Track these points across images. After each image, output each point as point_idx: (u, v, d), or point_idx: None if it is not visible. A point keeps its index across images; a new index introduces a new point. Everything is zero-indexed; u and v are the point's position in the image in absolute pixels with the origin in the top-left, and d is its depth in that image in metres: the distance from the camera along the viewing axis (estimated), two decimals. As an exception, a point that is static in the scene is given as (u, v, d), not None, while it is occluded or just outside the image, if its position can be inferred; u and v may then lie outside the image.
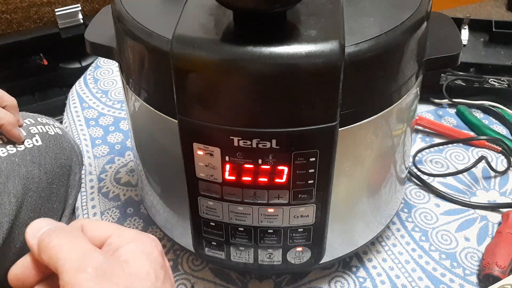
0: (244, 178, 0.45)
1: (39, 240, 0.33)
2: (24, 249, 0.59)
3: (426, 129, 0.78)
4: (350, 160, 0.47)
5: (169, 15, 0.44)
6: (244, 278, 0.59)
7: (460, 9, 2.23)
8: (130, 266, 0.32)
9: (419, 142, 0.77)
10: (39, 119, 0.67)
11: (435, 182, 0.70)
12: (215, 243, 0.52)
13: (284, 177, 0.45)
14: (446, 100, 0.82)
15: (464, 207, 0.67)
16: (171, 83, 0.42)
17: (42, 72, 1.41)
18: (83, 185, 0.71)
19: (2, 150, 0.60)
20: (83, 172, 0.73)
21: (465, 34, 0.85)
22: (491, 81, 0.81)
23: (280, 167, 0.44)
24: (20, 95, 0.94)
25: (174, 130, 0.45)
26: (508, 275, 0.55)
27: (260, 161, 0.44)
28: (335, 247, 0.54)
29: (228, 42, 0.40)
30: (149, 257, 0.34)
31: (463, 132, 0.78)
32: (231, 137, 0.43)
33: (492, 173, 0.72)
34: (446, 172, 0.71)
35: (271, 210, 0.48)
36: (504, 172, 0.72)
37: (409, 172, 0.70)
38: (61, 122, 0.81)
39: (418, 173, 0.71)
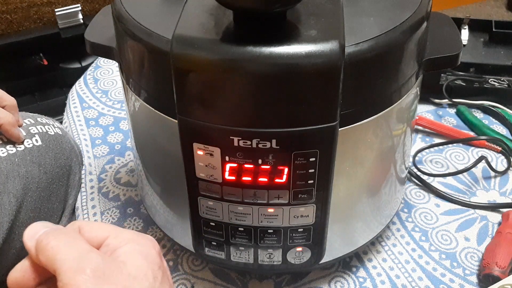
0: (244, 178, 0.45)
1: (36, 241, 0.33)
2: (24, 249, 0.60)
3: (426, 129, 0.78)
4: (350, 160, 0.47)
5: (169, 15, 0.44)
6: (244, 278, 0.59)
7: (460, 9, 2.23)
8: (128, 267, 0.33)
9: (419, 142, 0.77)
10: (39, 119, 0.67)
11: (435, 182, 0.70)
12: (215, 243, 0.52)
13: (284, 177, 0.45)
14: (446, 100, 0.82)
15: (464, 207, 0.67)
16: (171, 83, 0.42)
17: (42, 72, 1.41)
18: (83, 185, 0.71)
19: (1, 150, 0.60)
20: (83, 172, 0.73)
21: (465, 34, 0.85)
22: (491, 81, 0.81)
23: (280, 167, 0.44)
24: (20, 95, 0.94)
25: (174, 130, 0.45)
26: (508, 275, 0.55)
27: (260, 161, 0.44)
28: (335, 247, 0.54)
29: (228, 42, 0.40)
30: (147, 257, 0.34)
31: (463, 132, 0.78)
32: (231, 137, 0.43)
33: (492, 173, 0.72)
34: (446, 172, 0.71)
35: (271, 210, 0.47)
36: (504, 172, 0.72)
37: (409, 172, 0.70)
38: (61, 122, 0.81)
39: (418, 173, 0.71)
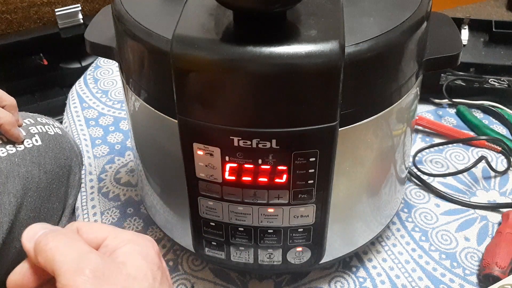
0: (244, 178, 0.45)
1: (35, 243, 0.33)
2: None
3: (426, 129, 0.78)
4: (350, 160, 0.47)
5: (169, 15, 0.44)
6: (244, 278, 0.59)
7: (460, 9, 2.23)
8: (127, 267, 0.32)
9: (419, 142, 0.77)
10: (38, 119, 0.67)
11: (435, 182, 0.70)
12: (215, 243, 0.52)
13: (284, 177, 0.45)
14: (446, 100, 0.82)
15: (464, 207, 0.67)
16: (171, 83, 0.42)
17: (42, 72, 1.41)
18: (83, 185, 0.71)
19: (1, 150, 0.60)
20: (83, 172, 0.73)
21: (465, 34, 0.85)
22: (491, 81, 0.81)
23: (280, 167, 0.44)
24: (20, 95, 0.94)
25: (174, 130, 0.45)
26: (508, 275, 0.55)
27: (260, 161, 0.44)
28: (335, 247, 0.54)
29: (228, 42, 0.40)
30: (146, 258, 0.34)
31: (463, 132, 0.78)
32: (231, 137, 0.43)
33: (492, 173, 0.72)
34: (446, 172, 0.71)
35: (271, 210, 0.47)
36: (504, 172, 0.72)
37: (409, 172, 0.70)
38: (61, 122, 0.81)
39: (418, 173, 0.71)
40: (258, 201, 0.47)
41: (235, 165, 0.45)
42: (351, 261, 0.61)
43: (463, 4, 2.27)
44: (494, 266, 0.56)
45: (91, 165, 0.74)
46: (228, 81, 0.41)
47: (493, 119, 0.80)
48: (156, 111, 0.46)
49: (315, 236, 0.50)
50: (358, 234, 0.55)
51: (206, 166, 0.45)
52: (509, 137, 0.77)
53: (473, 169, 0.71)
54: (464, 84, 0.82)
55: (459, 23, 0.85)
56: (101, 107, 0.85)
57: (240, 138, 0.43)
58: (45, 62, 1.40)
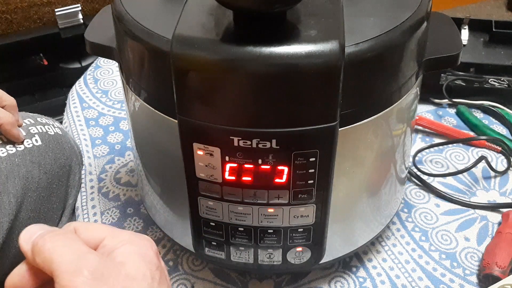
0: (244, 178, 0.45)
1: (33, 244, 0.33)
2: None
3: (426, 129, 0.78)
4: (350, 160, 0.47)
5: (169, 15, 0.44)
6: (244, 278, 0.59)
7: (460, 9, 2.23)
8: (126, 268, 0.32)
9: (419, 142, 0.77)
10: (38, 119, 0.67)
11: (435, 182, 0.70)
12: (215, 243, 0.52)
13: (284, 177, 0.45)
14: (446, 100, 0.82)
15: (464, 207, 0.67)
16: (171, 83, 0.42)
17: (42, 72, 1.41)
18: (83, 185, 0.71)
19: (1, 150, 0.60)
20: (83, 172, 0.73)
21: (465, 34, 0.85)
22: (491, 81, 0.81)
23: (280, 167, 0.44)
24: (20, 95, 0.94)
25: (174, 130, 0.45)
26: (508, 275, 0.55)
27: (260, 161, 0.44)
28: (335, 247, 0.54)
29: (228, 42, 0.40)
30: (145, 258, 0.34)
31: (463, 132, 0.78)
32: (231, 137, 0.43)
33: (492, 173, 0.72)
34: (446, 172, 0.71)
35: (271, 210, 0.47)
36: (504, 172, 0.72)
37: (409, 172, 0.70)
38: (61, 122, 0.81)
39: (418, 173, 0.71)
40: (258, 201, 0.47)
41: (235, 165, 0.45)
42: (351, 261, 0.61)
43: (463, 4, 2.27)
44: (494, 266, 0.56)
45: (91, 165, 0.74)
46: (228, 81, 0.41)
47: (493, 119, 0.80)
48: (156, 111, 0.46)
49: (315, 236, 0.50)
50: (358, 234, 0.55)
51: (206, 166, 0.45)
52: (509, 137, 0.77)
53: (473, 169, 0.71)
54: (464, 84, 0.82)
55: (459, 23, 0.85)
56: (101, 107, 0.85)
57: (240, 138, 0.43)
58: (45, 62, 1.40)
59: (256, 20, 0.42)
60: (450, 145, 0.76)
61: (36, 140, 0.63)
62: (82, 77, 0.94)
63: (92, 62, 0.98)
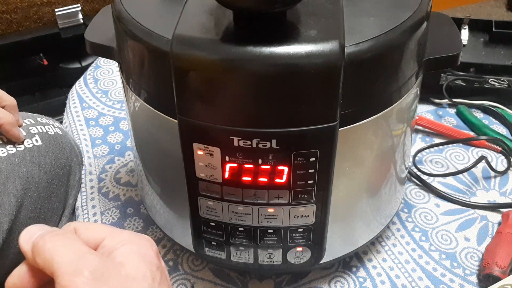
0: (244, 178, 0.45)
1: (33, 244, 0.33)
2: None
3: (426, 129, 0.78)
4: (350, 160, 0.47)
5: (169, 15, 0.44)
6: (244, 278, 0.59)
7: (460, 9, 2.23)
8: (126, 268, 0.32)
9: (419, 142, 0.77)
10: (39, 119, 0.67)
11: (435, 182, 0.70)
12: (215, 243, 0.52)
13: (284, 177, 0.45)
14: (446, 100, 0.82)
15: (464, 207, 0.67)
16: (171, 83, 0.42)
17: (42, 72, 1.41)
18: (83, 185, 0.71)
19: (2, 150, 0.60)
20: (83, 172, 0.73)
21: (465, 34, 0.85)
22: (491, 81, 0.81)
23: (280, 167, 0.44)
24: (20, 95, 0.94)
25: (174, 130, 0.45)
26: (508, 275, 0.55)
27: (260, 161, 0.44)
28: (335, 247, 0.54)
29: (228, 42, 0.40)
30: (145, 258, 0.34)
31: (463, 132, 0.78)
32: (231, 137, 0.43)
33: (492, 173, 0.72)
34: (446, 172, 0.71)
35: (271, 210, 0.47)
36: (504, 172, 0.72)
37: (409, 172, 0.70)
38: (61, 122, 0.81)
39: (418, 173, 0.71)
40: (258, 201, 0.47)
41: (235, 165, 0.45)
42: (351, 261, 0.61)
43: (463, 4, 2.27)
44: (494, 266, 0.56)
45: (91, 165, 0.74)
46: (228, 81, 0.41)
47: (493, 119, 0.80)
48: (156, 111, 0.46)
49: (315, 236, 0.50)
50: (358, 234, 0.55)
51: (206, 166, 0.45)
52: (509, 137, 0.77)
53: (473, 169, 0.71)
54: (464, 84, 0.82)
55: (459, 23, 0.85)
56: (101, 107, 0.85)
57: (240, 138, 0.43)
58: (45, 62, 1.40)
59: (256, 20, 0.42)
60: (450, 145, 0.76)
61: (36, 140, 0.63)
62: (82, 77, 0.94)
63: (92, 62, 0.98)
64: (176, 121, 0.44)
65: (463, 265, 0.60)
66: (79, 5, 1.40)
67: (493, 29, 0.86)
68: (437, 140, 0.77)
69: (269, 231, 0.49)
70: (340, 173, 0.47)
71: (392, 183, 0.55)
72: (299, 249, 0.51)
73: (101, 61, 0.97)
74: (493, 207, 0.67)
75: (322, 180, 0.46)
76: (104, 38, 0.51)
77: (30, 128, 0.64)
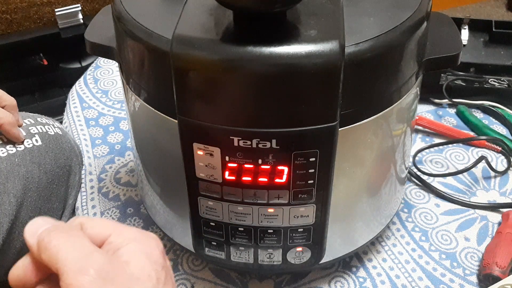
0: (244, 178, 0.45)
1: (38, 239, 0.32)
2: (24, 249, 0.59)
3: (426, 129, 0.78)
4: (350, 160, 0.47)
5: (169, 15, 0.44)
6: (244, 278, 0.59)
7: (460, 9, 2.23)
8: (131, 267, 0.32)
9: (419, 142, 0.77)
10: (39, 119, 0.67)
11: (435, 182, 0.70)
12: (215, 243, 0.52)
13: (284, 177, 0.45)
14: (446, 100, 0.82)
15: (464, 207, 0.67)
16: (171, 83, 0.42)
17: (42, 72, 1.41)
18: (83, 185, 0.71)
19: (1, 150, 0.60)
20: (83, 172, 0.73)
21: (465, 34, 0.85)
22: (491, 81, 0.81)
23: (280, 167, 0.44)
24: (20, 95, 0.94)
25: (174, 130, 0.45)
26: (508, 275, 0.55)
27: (260, 161, 0.44)
28: (335, 247, 0.54)
29: (228, 42, 0.40)
30: (150, 258, 0.34)
31: (463, 132, 0.78)
32: (231, 137, 0.43)
33: (492, 173, 0.72)
34: (446, 172, 0.71)
35: (271, 210, 0.47)
36: (504, 172, 0.72)
37: (409, 172, 0.70)
38: (61, 122, 0.81)
39: (418, 173, 0.71)
40: (258, 201, 0.47)
41: (235, 165, 0.45)
42: (351, 261, 0.61)
43: (463, 4, 2.27)
44: (494, 266, 0.56)
45: (91, 165, 0.74)
46: (228, 81, 0.41)
47: (493, 119, 0.80)
48: (156, 111, 0.46)
49: (315, 236, 0.50)
50: (358, 234, 0.55)
51: (206, 166, 0.45)
52: (509, 137, 0.77)
53: (473, 169, 0.71)
54: (464, 84, 0.82)
55: (459, 23, 0.85)
56: (101, 107, 0.85)
57: (240, 138, 0.43)
58: (45, 62, 1.40)
59: (256, 20, 0.42)
60: (450, 145, 0.76)
61: (36, 140, 0.63)
62: (82, 77, 0.94)
63: (92, 62, 0.98)
64: (176, 121, 0.44)
65: (463, 265, 0.60)
66: (79, 5, 1.39)
67: (493, 29, 0.86)
68: (437, 140, 0.77)
69: (269, 231, 0.49)
70: (340, 173, 0.47)
71: (392, 183, 0.55)
72: (299, 249, 0.51)
73: (101, 61, 0.97)
74: (493, 207, 0.67)
75: (322, 180, 0.46)
76: (104, 38, 0.51)
77: (30, 128, 0.64)
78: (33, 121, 0.65)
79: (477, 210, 0.67)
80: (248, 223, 0.49)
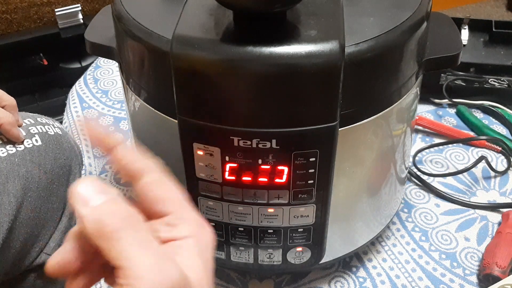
0: (244, 178, 0.45)
1: (98, 223, 0.28)
2: (24, 249, 0.59)
3: (426, 129, 0.78)
4: (350, 160, 0.47)
5: (169, 15, 0.44)
6: (244, 278, 0.59)
7: (460, 9, 2.23)
8: (191, 284, 0.29)
9: (419, 142, 0.77)
10: (38, 119, 0.67)
11: (435, 182, 0.70)
12: (215, 243, 0.52)
13: (284, 177, 0.45)
14: (446, 100, 0.82)
15: (464, 207, 0.67)
16: (171, 83, 0.42)
17: (42, 72, 1.41)
18: (83, 185, 0.71)
19: (1, 150, 0.60)
20: (83, 172, 0.73)
21: (465, 34, 0.85)
22: (491, 81, 0.81)
23: (280, 167, 0.44)
24: (20, 95, 0.94)
25: (174, 130, 0.45)
26: (508, 275, 0.55)
27: (260, 161, 0.44)
28: (335, 247, 0.54)
29: (228, 42, 0.40)
30: (206, 265, 0.31)
31: (463, 132, 0.78)
32: (231, 137, 0.43)
33: (492, 173, 0.72)
34: (446, 172, 0.71)
35: (271, 210, 0.47)
36: (504, 172, 0.72)
37: (409, 172, 0.70)
38: (61, 122, 0.81)
39: (418, 173, 0.71)
40: (258, 201, 0.47)
41: (235, 165, 0.45)
42: (351, 261, 0.61)
43: (463, 4, 2.27)
44: (494, 266, 0.56)
45: (91, 165, 0.74)
46: (228, 81, 0.40)
47: (493, 119, 0.80)
48: (156, 111, 0.46)
49: (315, 236, 0.50)
50: (358, 234, 0.55)
51: (206, 166, 0.45)
52: (509, 137, 0.77)
53: (473, 169, 0.71)
54: (464, 84, 0.82)
55: (459, 23, 0.85)
56: (101, 107, 0.85)
57: (240, 138, 0.43)
58: (45, 62, 1.40)
59: (256, 20, 0.42)
60: (450, 145, 0.76)
61: (36, 140, 0.63)
62: (82, 77, 0.94)
63: (92, 62, 0.98)
64: (176, 121, 0.44)
65: (463, 265, 0.60)
66: (79, 5, 1.39)
67: (493, 29, 0.86)
68: (437, 140, 0.77)
69: (269, 231, 0.49)
70: (340, 173, 0.47)
71: (392, 183, 0.55)
72: (299, 249, 0.51)
73: (101, 61, 0.97)
74: (493, 207, 0.67)
75: (322, 180, 0.46)
76: (104, 38, 0.51)
77: (30, 128, 0.64)
78: (33, 121, 0.65)
79: (477, 210, 0.67)
80: (248, 223, 0.49)
